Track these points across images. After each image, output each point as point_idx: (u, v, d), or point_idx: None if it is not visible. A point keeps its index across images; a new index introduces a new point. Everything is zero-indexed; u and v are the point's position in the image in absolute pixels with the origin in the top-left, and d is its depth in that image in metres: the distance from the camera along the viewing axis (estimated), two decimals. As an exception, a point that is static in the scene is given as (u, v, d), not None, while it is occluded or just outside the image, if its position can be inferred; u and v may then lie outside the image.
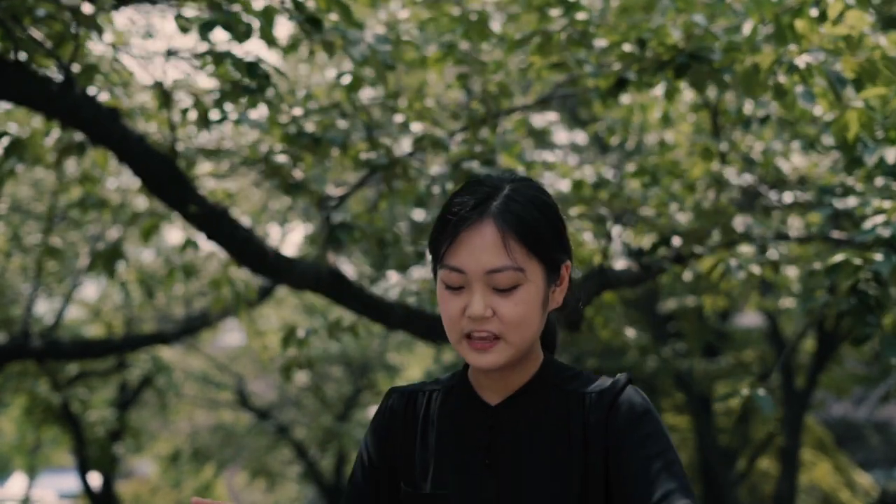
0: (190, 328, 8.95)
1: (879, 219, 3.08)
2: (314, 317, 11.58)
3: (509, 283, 1.56)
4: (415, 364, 13.64)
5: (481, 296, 1.56)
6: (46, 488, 18.68)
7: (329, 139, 3.98)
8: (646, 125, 5.50)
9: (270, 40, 3.63)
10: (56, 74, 3.81)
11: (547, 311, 1.63)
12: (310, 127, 4.08)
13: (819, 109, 4.09)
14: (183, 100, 4.02)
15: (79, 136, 4.20)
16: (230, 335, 14.74)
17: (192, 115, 4.04)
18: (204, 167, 4.71)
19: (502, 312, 1.56)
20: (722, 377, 11.11)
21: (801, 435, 10.71)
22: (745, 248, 4.27)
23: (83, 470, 10.94)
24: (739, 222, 3.92)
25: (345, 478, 13.10)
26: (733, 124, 4.66)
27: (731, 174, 4.57)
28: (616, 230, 4.51)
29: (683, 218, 4.29)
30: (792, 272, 5.65)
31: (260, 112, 4.11)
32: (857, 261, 2.92)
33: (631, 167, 4.66)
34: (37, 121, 4.75)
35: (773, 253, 3.98)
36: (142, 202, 5.27)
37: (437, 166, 4.40)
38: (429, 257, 1.68)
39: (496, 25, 4.26)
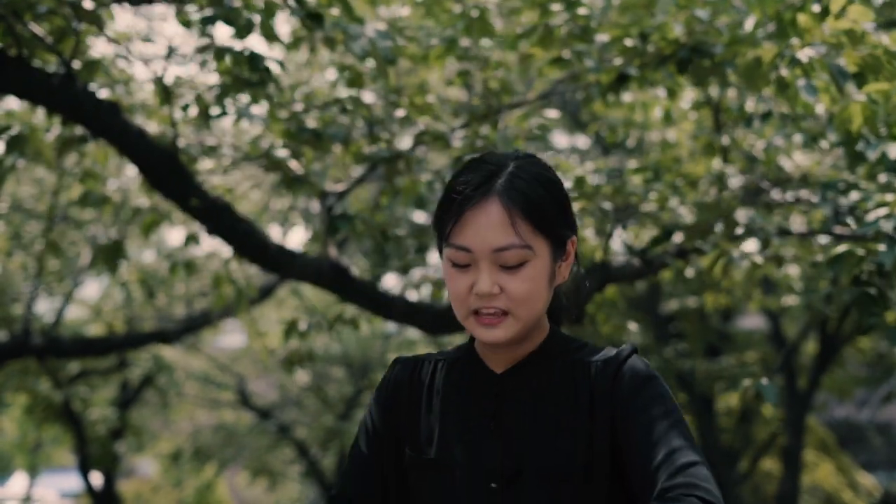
0: (191, 327, 8.94)
1: (882, 211, 3.07)
2: (315, 317, 11.56)
3: (516, 260, 1.57)
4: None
5: (488, 273, 1.57)
6: (48, 488, 18.67)
7: (330, 135, 3.98)
8: (647, 124, 5.49)
9: (271, 36, 3.62)
10: (58, 69, 3.81)
11: (553, 286, 1.64)
12: (310, 122, 4.08)
13: (821, 108, 4.08)
14: (184, 95, 4.02)
15: (79, 131, 4.21)
16: (231, 336, 14.74)
17: (193, 111, 4.04)
18: (205, 164, 4.71)
19: (510, 289, 1.57)
20: (724, 378, 11.10)
21: (804, 436, 10.71)
22: (749, 246, 4.26)
23: (84, 468, 10.94)
24: (741, 215, 3.91)
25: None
26: (735, 121, 4.65)
27: (732, 173, 4.56)
28: (617, 231, 4.50)
29: (685, 212, 4.28)
30: (794, 270, 5.64)
31: (261, 108, 4.11)
32: (860, 251, 2.91)
33: (633, 163, 4.65)
34: (37, 118, 4.76)
35: (775, 248, 3.96)
36: (143, 201, 5.27)
37: (438, 162, 4.40)
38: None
39: (497, 23, 4.26)
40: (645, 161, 4.62)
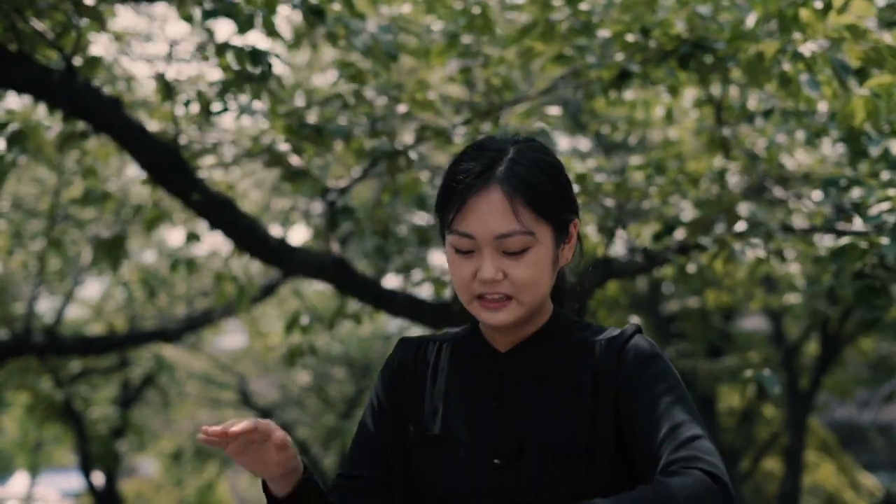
0: (192, 326, 8.94)
1: (885, 205, 3.07)
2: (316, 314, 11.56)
3: (519, 246, 1.57)
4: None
5: (491, 260, 1.57)
6: (49, 487, 18.67)
7: (331, 131, 3.98)
8: (649, 122, 5.48)
9: (272, 30, 3.63)
10: (59, 65, 3.81)
11: (557, 269, 1.65)
12: (311, 119, 4.08)
13: (824, 105, 4.07)
14: (186, 90, 4.02)
15: (81, 127, 4.20)
16: (232, 337, 14.75)
17: (195, 107, 4.04)
18: (206, 160, 4.71)
19: (513, 275, 1.58)
20: (725, 378, 11.10)
21: (805, 436, 10.71)
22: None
23: (86, 467, 10.94)
24: (743, 208, 3.90)
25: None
26: (737, 119, 4.64)
27: (734, 170, 4.55)
28: (619, 233, 4.49)
29: (687, 207, 4.28)
30: (795, 268, 5.63)
31: (262, 104, 4.11)
32: (863, 244, 2.91)
33: (635, 160, 4.65)
34: (38, 115, 4.75)
35: (777, 243, 3.96)
36: (144, 199, 5.27)
37: (440, 160, 4.39)
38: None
39: (499, 20, 4.25)
40: (647, 157, 4.61)
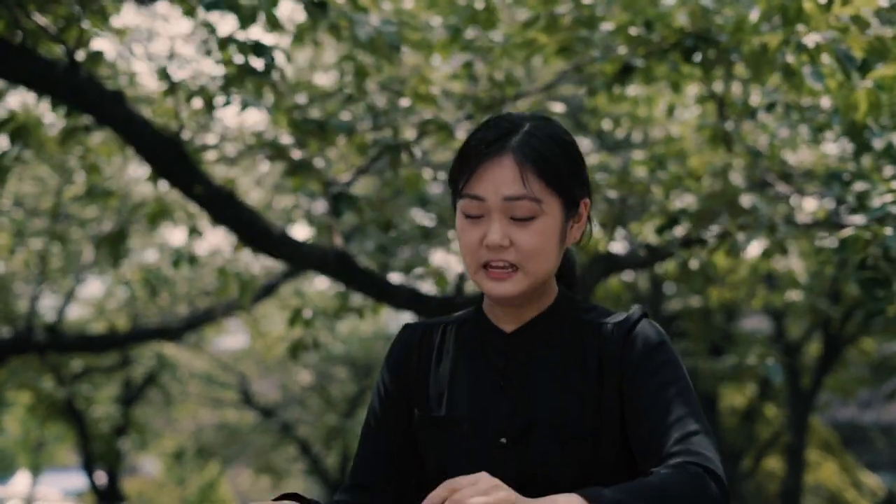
0: (194, 324, 8.93)
1: (889, 197, 3.06)
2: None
3: (526, 212, 1.57)
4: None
5: (499, 225, 1.58)
6: (50, 486, 18.66)
7: (334, 125, 3.98)
8: (651, 119, 5.47)
9: (274, 23, 3.62)
10: (62, 59, 3.81)
11: (564, 246, 1.65)
12: (315, 113, 4.07)
13: (826, 101, 4.06)
14: (189, 85, 4.02)
15: (84, 122, 4.20)
16: (233, 337, 14.76)
17: (198, 103, 4.03)
18: (209, 155, 4.71)
19: (519, 242, 1.58)
20: (727, 377, 11.10)
21: (807, 435, 10.71)
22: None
23: (88, 466, 10.94)
24: (746, 200, 3.90)
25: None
26: (740, 115, 4.63)
27: (737, 166, 4.55)
28: (619, 234, 4.49)
29: (690, 200, 4.27)
30: (797, 265, 5.63)
31: (265, 100, 4.11)
32: (867, 235, 2.90)
33: (638, 155, 4.64)
34: (40, 112, 4.75)
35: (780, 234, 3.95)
36: (146, 195, 5.26)
37: (441, 157, 4.39)
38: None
39: (503, 16, 4.25)
40: (650, 152, 4.60)
